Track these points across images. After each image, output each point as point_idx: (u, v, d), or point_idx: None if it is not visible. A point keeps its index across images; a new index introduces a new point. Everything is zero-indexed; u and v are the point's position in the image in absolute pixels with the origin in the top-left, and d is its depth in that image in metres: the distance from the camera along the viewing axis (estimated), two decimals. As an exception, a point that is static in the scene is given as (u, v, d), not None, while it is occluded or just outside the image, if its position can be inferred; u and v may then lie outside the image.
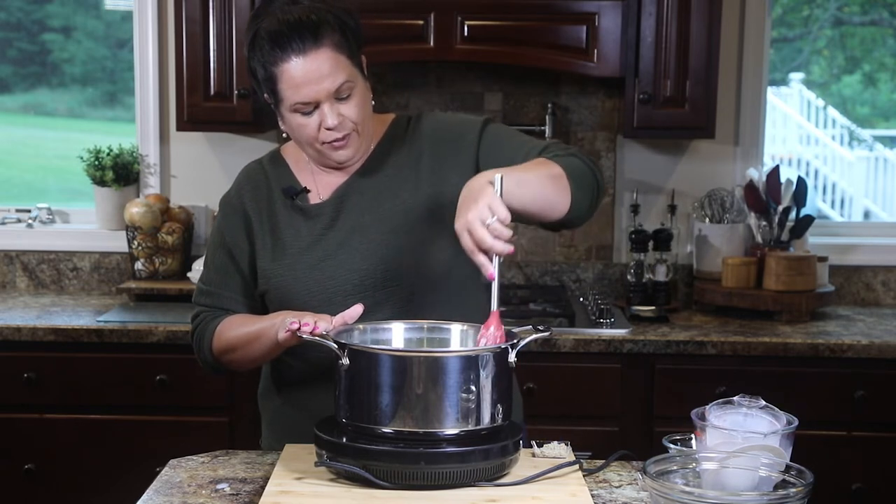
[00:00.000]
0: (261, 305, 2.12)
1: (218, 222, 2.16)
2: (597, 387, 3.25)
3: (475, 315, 1.95)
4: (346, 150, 2.03)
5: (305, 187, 2.10)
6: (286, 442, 1.97)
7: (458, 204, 1.80)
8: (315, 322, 1.84)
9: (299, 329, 1.83)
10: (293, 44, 1.94)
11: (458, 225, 1.77)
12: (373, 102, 2.07)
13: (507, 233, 1.74)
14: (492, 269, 1.75)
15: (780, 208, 3.64)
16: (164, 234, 3.72)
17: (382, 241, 2.03)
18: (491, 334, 1.79)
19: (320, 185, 2.10)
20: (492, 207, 1.73)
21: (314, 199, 2.10)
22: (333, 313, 1.89)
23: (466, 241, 1.75)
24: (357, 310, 1.88)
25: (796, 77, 8.42)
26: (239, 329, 2.05)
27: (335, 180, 2.10)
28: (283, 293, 2.05)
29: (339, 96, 1.97)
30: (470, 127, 2.09)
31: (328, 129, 1.98)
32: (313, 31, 1.94)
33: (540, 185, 1.88)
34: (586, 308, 3.55)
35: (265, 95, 2.03)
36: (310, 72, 1.94)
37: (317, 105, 1.96)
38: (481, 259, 1.75)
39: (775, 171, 3.66)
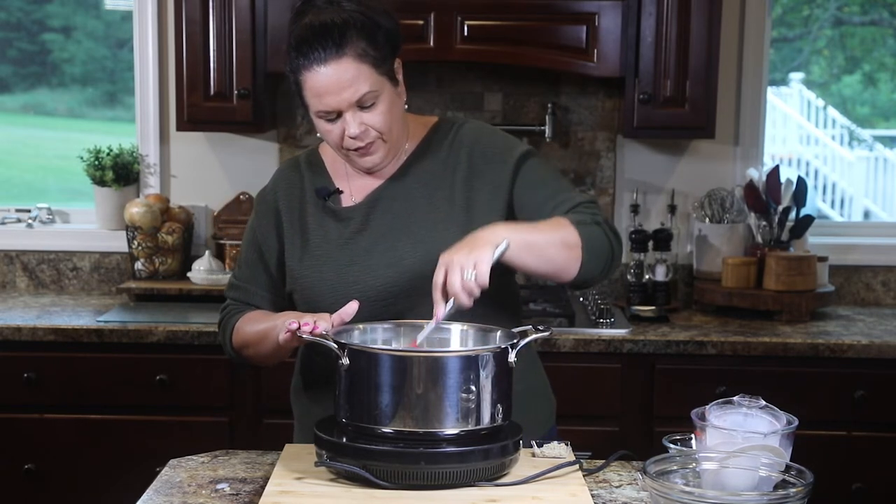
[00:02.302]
0: (288, 303, 2.12)
1: (252, 218, 2.16)
2: (597, 387, 3.25)
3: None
4: (371, 157, 2.01)
5: (338, 189, 2.09)
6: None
7: (463, 239, 1.83)
8: (315, 322, 1.84)
9: (299, 329, 1.84)
10: (315, 52, 1.91)
11: (444, 257, 1.80)
12: (406, 106, 2.05)
13: (476, 293, 1.77)
14: (442, 312, 1.79)
15: (780, 208, 3.64)
16: (164, 234, 3.72)
17: (410, 250, 2.02)
18: None
19: (354, 188, 2.09)
20: (477, 266, 1.76)
21: (347, 201, 2.09)
22: (356, 319, 1.90)
23: (438, 276, 1.79)
24: (353, 306, 1.88)
25: (796, 77, 8.42)
26: (253, 326, 2.06)
27: (369, 183, 2.08)
28: (309, 294, 2.06)
29: (362, 105, 1.94)
30: (509, 154, 2.06)
31: (351, 137, 1.96)
32: (337, 40, 1.91)
33: (550, 250, 1.90)
34: (586, 308, 3.55)
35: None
36: (331, 82, 1.92)
37: (340, 113, 1.95)
38: (438, 297, 1.79)
39: (775, 171, 3.66)
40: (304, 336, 1.83)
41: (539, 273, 1.94)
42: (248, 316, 2.10)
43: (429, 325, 1.83)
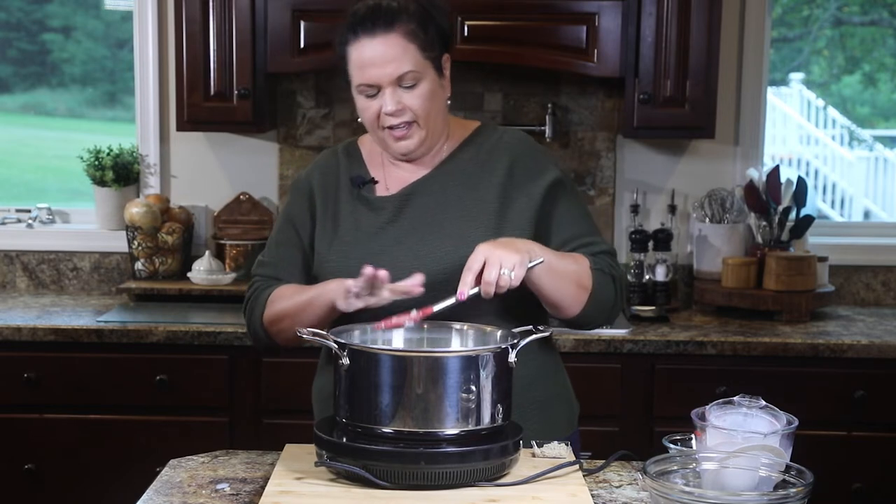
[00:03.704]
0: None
1: (285, 205, 2.19)
2: (597, 387, 3.25)
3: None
4: (406, 142, 2.04)
5: (373, 178, 2.12)
6: None
7: (500, 239, 1.91)
8: (376, 273, 1.88)
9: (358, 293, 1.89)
10: (366, 26, 1.98)
11: (484, 248, 1.86)
12: (449, 102, 2.09)
13: (504, 290, 1.85)
14: (466, 292, 1.84)
15: (780, 208, 3.64)
16: (164, 234, 3.72)
17: (438, 245, 2.03)
18: (410, 317, 1.86)
19: (389, 179, 2.11)
20: (516, 268, 1.84)
21: (381, 191, 2.11)
22: (382, 308, 1.91)
23: (476, 261, 1.84)
24: (417, 279, 1.90)
25: (796, 77, 8.42)
26: (291, 298, 2.06)
27: (405, 176, 2.10)
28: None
29: (402, 84, 1.98)
30: (543, 177, 2.09)
31: (387, 114, 1.99)
32: (388, 17, 1.97)
33: (566, 281, 1.99)
34: (586, 308, 3.55)
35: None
36: (376, 55, 1.97)
37: (380, 89, 1.99)
38: (470, 279, 1.84)
39: (775, 171, 3.66)
40: (303, 336, 1.83)
41: (548, 299, 2.00)
42: (281, 289, 2.10)
43: (448, 301, 1.86)
